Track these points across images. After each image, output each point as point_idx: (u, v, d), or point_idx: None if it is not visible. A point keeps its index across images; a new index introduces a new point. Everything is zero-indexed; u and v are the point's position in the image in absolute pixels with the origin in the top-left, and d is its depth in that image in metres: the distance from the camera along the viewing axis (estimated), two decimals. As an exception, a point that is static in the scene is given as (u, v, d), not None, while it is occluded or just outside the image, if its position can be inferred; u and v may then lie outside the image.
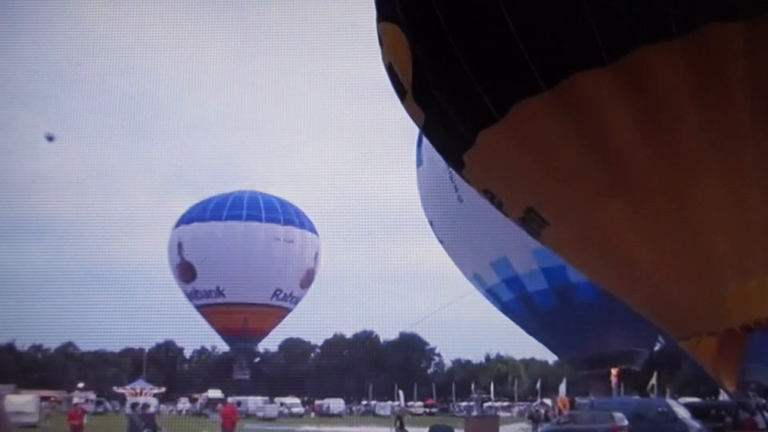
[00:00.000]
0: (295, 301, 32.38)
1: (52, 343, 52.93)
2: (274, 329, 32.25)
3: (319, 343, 60.95)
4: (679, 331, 7.88)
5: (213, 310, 31.16)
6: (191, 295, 31.47)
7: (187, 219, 32.02)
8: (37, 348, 54.86)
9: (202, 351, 59.73)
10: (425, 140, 19.51)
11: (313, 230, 32.56)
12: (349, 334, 58.65)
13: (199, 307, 31.51)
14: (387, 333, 53.78)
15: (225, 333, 31.67)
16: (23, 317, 44.52)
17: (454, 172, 15.61)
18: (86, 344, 50.65)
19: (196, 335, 44.39)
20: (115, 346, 50.59)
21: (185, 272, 31.17)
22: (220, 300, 30.72)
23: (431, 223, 21.57)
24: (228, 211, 31.18)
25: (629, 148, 6.34)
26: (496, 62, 6.43)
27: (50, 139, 31.25)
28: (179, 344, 55.73)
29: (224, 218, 30.91)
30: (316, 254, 32.69)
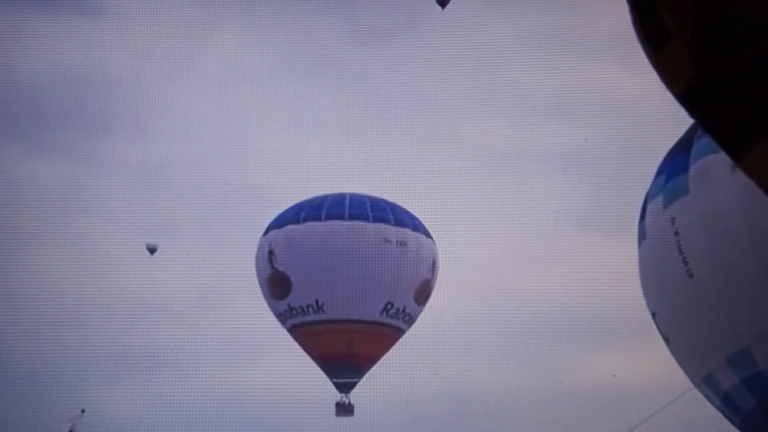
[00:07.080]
0: (410, 320, 26.87)
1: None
2: (384, 356, 27.06)
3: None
4: None
5: (309, 331, 26.27)
6: (284, 315, 26.54)
7: (279, 222, 27.14)
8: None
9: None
10: (649, 212, 17.52)
11: (428, 235, 27.11)
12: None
13: (292, 329, 26.55)
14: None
15: (323, 360, 26.72)
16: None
17: (683, 242, 15.24)
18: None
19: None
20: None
21: (277, 286, 26.39)
22: (319, 317, 25.88)
23: (653, 315, 18.00)
24: (327, 209, 26.40)
25: None
26: None
27: (152, 250, 26.69)
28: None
29: (324, 218, 26.19)
30: (434, 262, 27.24)
